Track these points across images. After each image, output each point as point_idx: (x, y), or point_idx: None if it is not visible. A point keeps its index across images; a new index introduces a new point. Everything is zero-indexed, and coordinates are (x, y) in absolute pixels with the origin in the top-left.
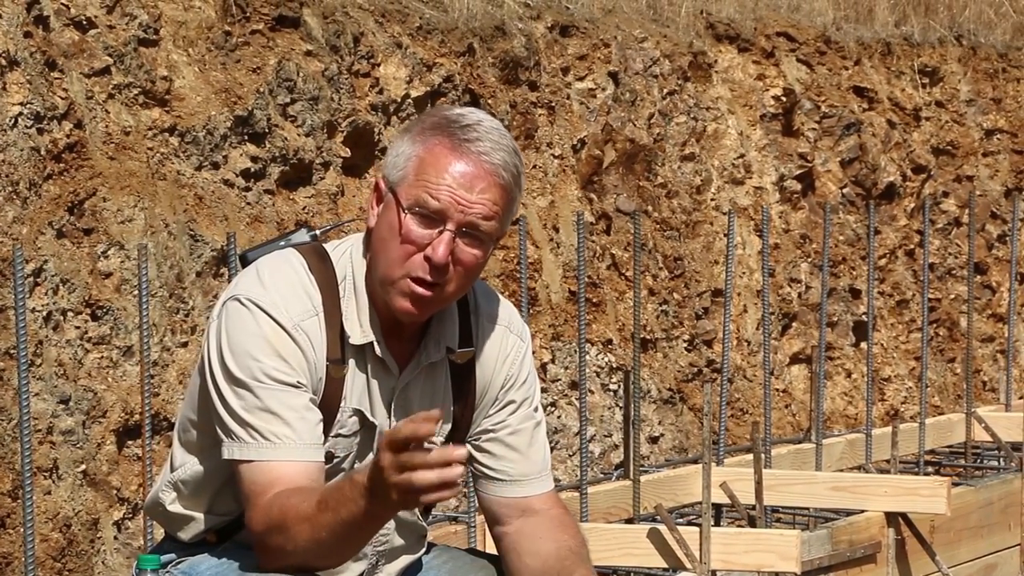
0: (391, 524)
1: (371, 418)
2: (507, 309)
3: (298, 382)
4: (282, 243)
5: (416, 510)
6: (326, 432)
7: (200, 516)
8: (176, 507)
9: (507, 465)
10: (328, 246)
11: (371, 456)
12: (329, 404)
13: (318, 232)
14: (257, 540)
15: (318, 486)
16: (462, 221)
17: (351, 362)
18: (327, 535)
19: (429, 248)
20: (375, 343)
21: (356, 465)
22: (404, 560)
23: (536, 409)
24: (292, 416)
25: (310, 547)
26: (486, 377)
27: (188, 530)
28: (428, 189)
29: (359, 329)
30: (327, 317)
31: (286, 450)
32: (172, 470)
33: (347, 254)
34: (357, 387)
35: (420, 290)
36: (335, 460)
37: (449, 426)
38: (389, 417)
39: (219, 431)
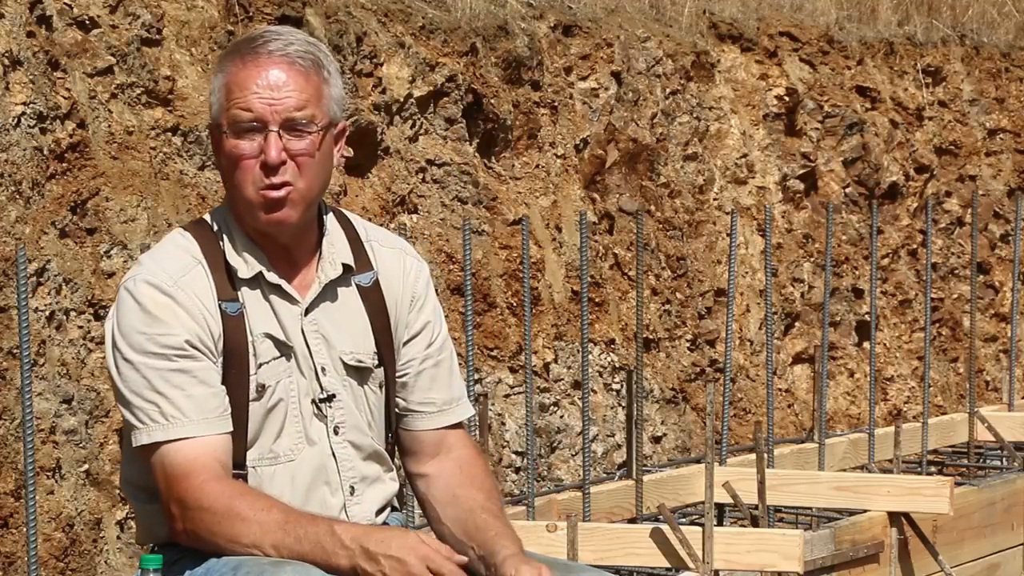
0: (355, 454)
1: (284, 339)
2: (400, 239)
3: (187, 343)
4: None
5: (383, 445)
6: (247, 368)
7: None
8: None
9: (433, 395)
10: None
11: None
12: (236, 340)
13: None
14: (181, 515)
15: (273, 496)
16: (280, 120)
17: (245, 291)
18: (273, 551)
19: (263, 155)
20: (263, 271)
21: (290, 392)
22: (381, 489)
23: (446, 337)
24: (177, 394)
25: (245, 548)
26: (394, 294)
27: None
28: (238, 105)
29: (243, 263)
30: (210, 261)
31: (178, 428)
32: (130, 480)
33: (219, 208)
34: (261, 315)
35: (272, 194)
36: (267, 389)
37: (374, 349)
38: (306, 343)
39: (124, 418)
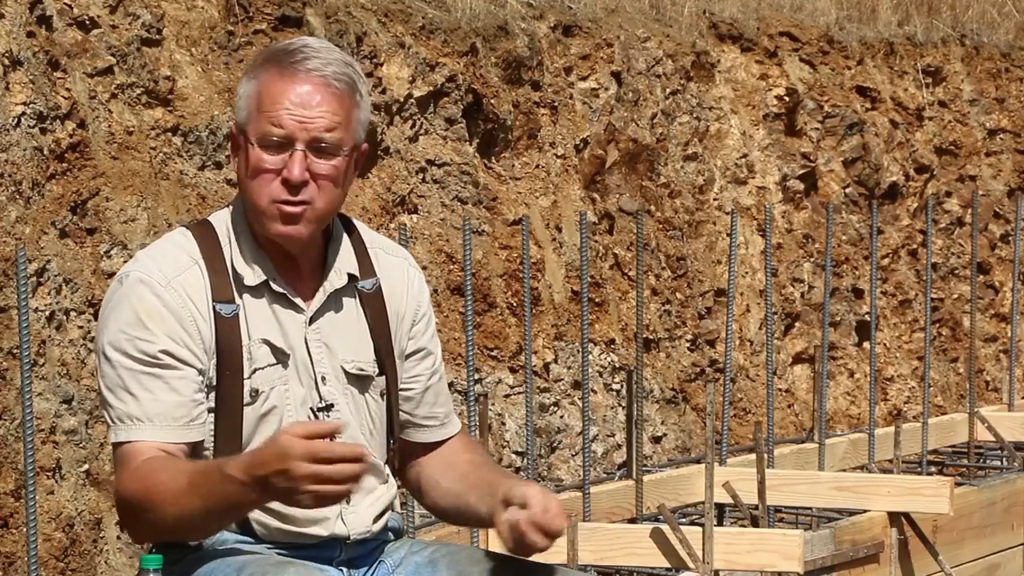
0: None
1: (282, 347)
2: (403, 249)
3: (162, 351)
4: None
5: (382, 457)
6: (240, 371)
7: None
8: None
9: (437, 410)
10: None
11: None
12: (230, 342)
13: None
14: (123, 512)
15: (186, 462)
16: (308, 138)
17: (247, 297)
18: (197, 520)
19: (285, 171)
20: (270, 281)
21: (285, 400)
22: (378, 497)
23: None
24: (147, 397)
25: (178, 525)
26: (396, 302)
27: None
28: (270, 119)
29: (250, 270)
30: (208, 262)
31: (139, 431)
32: None
33: (225, 210)
34: (261, 320)
35: (288, 208)
36: (260, 394)
37: (373, 356)
38: (308, 352)
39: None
